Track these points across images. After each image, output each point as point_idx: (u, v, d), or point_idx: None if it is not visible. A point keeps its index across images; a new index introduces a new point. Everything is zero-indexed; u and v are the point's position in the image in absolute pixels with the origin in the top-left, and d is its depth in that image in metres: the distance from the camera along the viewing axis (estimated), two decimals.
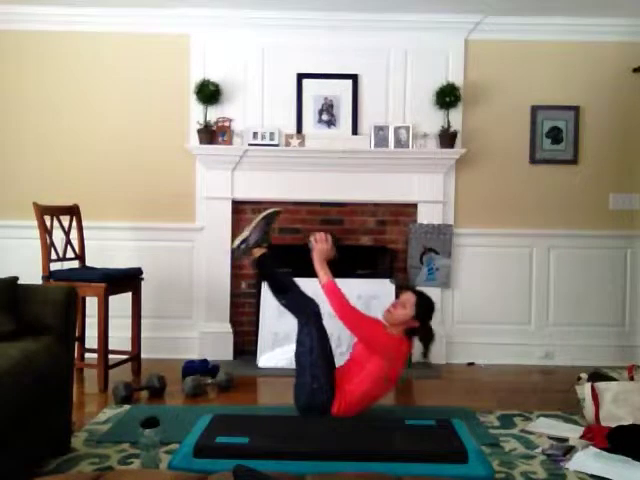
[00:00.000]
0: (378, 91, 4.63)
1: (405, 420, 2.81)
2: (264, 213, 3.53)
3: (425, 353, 3.39)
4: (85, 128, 4.65)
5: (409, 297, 3.30)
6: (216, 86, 4.48)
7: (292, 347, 4.33)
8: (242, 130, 4.59)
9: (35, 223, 3.97)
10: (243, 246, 3.48)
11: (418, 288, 3.58)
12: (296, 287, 3.39)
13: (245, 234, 3.48)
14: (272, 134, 4.55)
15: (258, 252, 3.48)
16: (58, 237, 4.14)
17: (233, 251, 3.57)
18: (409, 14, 4.50)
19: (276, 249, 4.61)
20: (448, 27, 4.57)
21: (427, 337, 3.34)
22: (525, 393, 3.94)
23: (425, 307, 3.31)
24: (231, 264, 4.61)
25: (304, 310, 3.29)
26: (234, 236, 4.58)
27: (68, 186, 4.58)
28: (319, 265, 3.29)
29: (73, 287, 2.93)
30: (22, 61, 4.64)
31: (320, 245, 3.32)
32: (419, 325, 3.27)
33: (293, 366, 4.30)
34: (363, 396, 3.14)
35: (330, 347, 3.27)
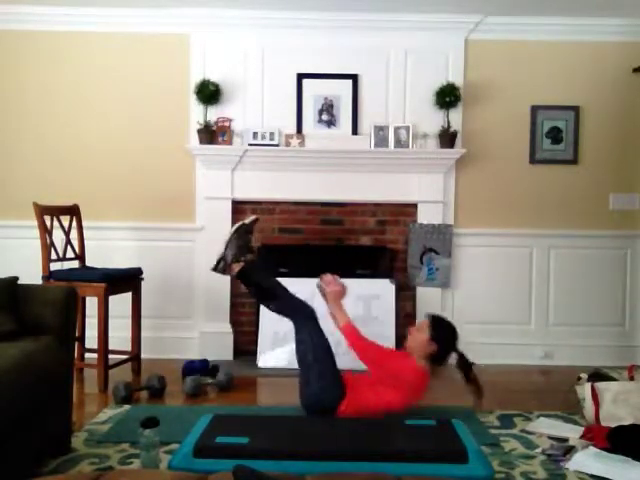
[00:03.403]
0: (378, 91, 4.63)
1: (405, 420, 2.81)
2: (234, 227, 3.50)
3: (470, 381, 3.34)
4: (85, 128, 4.65)
5: (424, 321, 3.32)
6: (216, 86, 4.48)
7: (292, 347, 4.35)
8: (242, 130, 4.59)
9: (35, 223, 3.97)
10: (221, 265, 3.45)
11: (436, 314, 3.48)
12: (286, 292, 3.37)
13: (221, 252, 3.46)
14: (272, 134, 4.55)
15: (237, 267, 3.45)
16: (58, 237, 4.14)
17: (214, 270, 3.52)
18: (409, 14, 4.50)
19: (276, 249, 4.64)
20: (448, 27, 4.57)
21: (463, 363, 3.32)
22: (525, 393, 3.94)
23: (441, 327, 3.28)
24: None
25: (298, 312, 3.29)
26: None
27: (68, 186, 4.58)
28: (336, 308, 3.28)
29: (73, 287, 2.94)
30: (22, 61, 4.63)
31: (331, 287, 3.31)
32: (441, 349, 3.22)
33: (293, 366, 4.31)
34: (375, 409, 3.13)
35: (329, 345, 3.27)
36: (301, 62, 4.61)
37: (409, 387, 3.18)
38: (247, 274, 3.46)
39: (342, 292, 3.34)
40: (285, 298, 3.35)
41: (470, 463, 2.38)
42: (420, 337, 3.25)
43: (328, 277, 3.36)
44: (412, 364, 3.21)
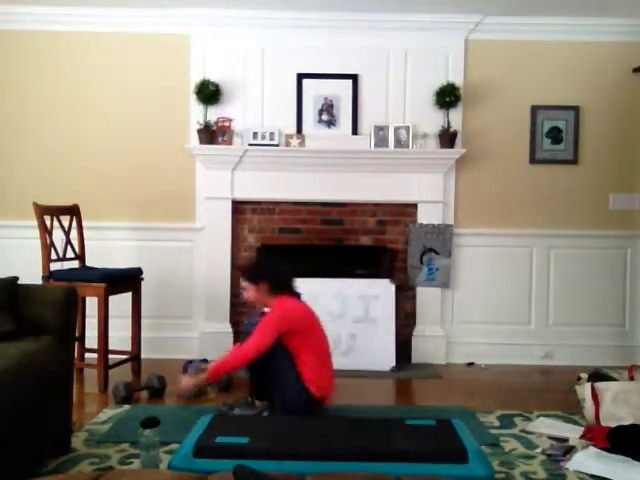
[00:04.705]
0: (378, 91, 4.63)
1: (405, 420, 2.81)
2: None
3: None
4: (85, 128, 4.65)
5: (241, 281, 3.39)
6: (216, 86, 4.48)
7: None
8: (242, 130, 4.59)
9: (35, 223, 3.97)
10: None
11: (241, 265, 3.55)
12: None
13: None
14: (272, 134, 4.55)
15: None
16: (58, 237, 4.14)
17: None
18: (409, 14, 4.50)
19: (276, 249, 4.64)
20: (448, 27, 4.57)
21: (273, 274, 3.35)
22: (525, 393, 3.94)
23: (251, 269, 3.38)
24: (231, 264, 4.61)
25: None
26: (234, 236, 4.62)
27: (68, 186, 4.58)
28: (198, 378, 3.28)
29: (73, 287, 2.94)
30: (22, 61, 4.63)
31: (183, 387, 3.31)
32: (269, 279, 3.28)
33: None
34: (314, 369, 3.18)
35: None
36: (301, 62, 4.61)
37: (292, 323, 3.19)
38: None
39: (187, 385, 3.32)
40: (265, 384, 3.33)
41: (470, 463, 2.38)
42: (250, 292, 3.32)
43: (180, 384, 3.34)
44: (272, 310, 3.23)
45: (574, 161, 4.70)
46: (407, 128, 4.55)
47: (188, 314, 4.67)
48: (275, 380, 3.21)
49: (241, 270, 3.42)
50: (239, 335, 4.39)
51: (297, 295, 3.37)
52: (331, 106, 4.63)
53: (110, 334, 3.91)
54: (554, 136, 4.68)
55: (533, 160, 4.70)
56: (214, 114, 4.55)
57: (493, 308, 4.70)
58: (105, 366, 3.86)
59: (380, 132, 4.57)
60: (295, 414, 3.13)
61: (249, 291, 3.34)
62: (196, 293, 4.66)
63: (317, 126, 4.63)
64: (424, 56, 4.62)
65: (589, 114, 4.69)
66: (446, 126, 4.53)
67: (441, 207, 4.63)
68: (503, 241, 4.70)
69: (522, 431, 3.19)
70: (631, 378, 3.47)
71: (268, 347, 3.11)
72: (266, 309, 3.32)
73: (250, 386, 3.42)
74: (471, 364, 4.62)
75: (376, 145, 4.57)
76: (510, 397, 3.82)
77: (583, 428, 3.15)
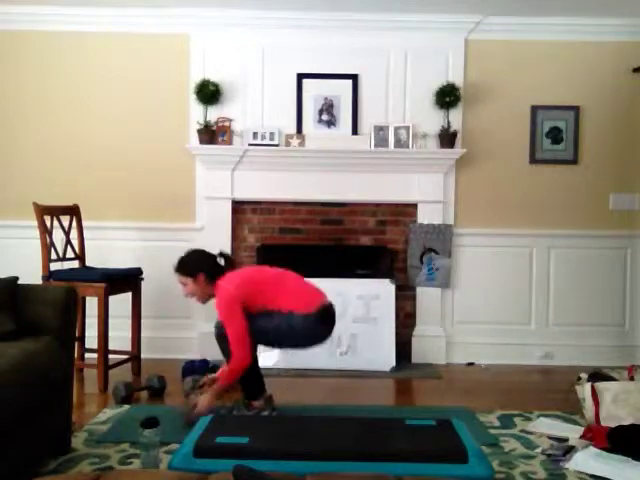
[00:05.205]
0: (378, 91, 4.63)
1: (405, 420, 2.81)
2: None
3: None
4: (85, 128, 4.65)
5: (178, 277, 3.37)
6: (216, 86, 4.48)
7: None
8: (242, 130, 4.59)
9: (35, 223, 3.97)
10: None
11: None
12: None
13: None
14: (272, 134, 4.55)
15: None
16: (58, 237, 4.14)
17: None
18: (409, 14, 4.50)
19: (276, 249, 4.64)
20: (448, 27, 4.57)
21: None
22: (525, 393, 3.94)
23: (185, 264, 3.36)
24: None
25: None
26: (234, 236, 4.62)
27: (68, 186, 4.58)
28: (216, 390, 3.23)
29: (73, 287, 2.94)
30: (21, 61, 4.63)
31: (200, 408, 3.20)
32: (205, 271, 3.29)
33: (292, 366, 4.33)
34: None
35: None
36: (301, 62, 4.61)
37: (243, 294, 3.18)
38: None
39: (209, 403, 3.22)
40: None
41: (470, 463, 2.37)
42: (190, 287, 3.32)
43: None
44: (218, 298, 3.22)
45: (574, 161, 4.70)
46: (407, 128, 4.55)
47: (188, 314, 4.67)
48: (270, 334, 3.20)
49: (176, 267, 3.38)
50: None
51: (231, 265, 3.37)
52: (331, 106, 4.63)
53: (110, 334, 3.91)
54: (554, 136, 4.68)
55: (533, 160, 4.70)
56: (214, 114, 4.55)
57: (493, 308, 4.70)
58: (105, 366, 3.86)
59: (380, 132, 4.57)
60: (311, 334, 3.20)
61: (188, 286, 3.33)
62: None
63: (317, 126, 4.63)
64: (424, 56, 4.62)
65: (589, 114, 4.69)
66: (446, 126, 4.53)
67: (441, 207, 4.63)
68: (503, 241, 4.70)
69: (522, 431, 3.19)
70: (631, 378, 3.47)
71: (246, 325, 3.11)
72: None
73: (241, 389, 3.40)
74: (471, 364, 4.62)
75: (376, 145, 4.57)
76: (510, 397, 3.82)
77: (583, 428, 3.15)
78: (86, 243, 4.31)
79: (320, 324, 3.23)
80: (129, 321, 4.19)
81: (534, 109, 4.67)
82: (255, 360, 3.30)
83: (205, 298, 3.37)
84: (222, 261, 3.39)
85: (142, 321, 4.24)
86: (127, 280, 4.11)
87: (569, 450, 2.89)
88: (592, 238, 4.69)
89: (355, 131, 4.62)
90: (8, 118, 4.65)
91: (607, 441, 2.88)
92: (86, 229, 4.32)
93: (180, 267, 3.38)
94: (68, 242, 4.21)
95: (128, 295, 4.15)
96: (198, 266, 3.33)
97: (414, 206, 4.66)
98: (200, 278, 3.29)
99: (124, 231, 4.62)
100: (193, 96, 4.50)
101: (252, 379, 3.31)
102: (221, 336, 3.25)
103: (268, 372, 4.22)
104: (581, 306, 4.70)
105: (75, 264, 4.24)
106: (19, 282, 2.83)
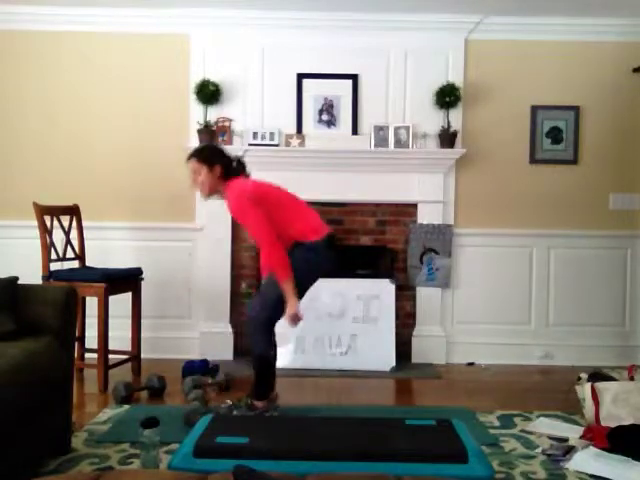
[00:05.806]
0: (378, 91, 4.63)
1: (405, 420, 2.81)
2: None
3: None
4: (85, 128, 4.65)
5: (191, 164, 3.24)
6: (216, 86, 4.48)
7: (292, 347, 4.36)
8: (242, 130, 4.59)
9: (35, 223, 3.97)
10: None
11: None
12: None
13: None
14: (272, 134, 4.55)
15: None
16: (58, 237, 4.14)
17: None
18: (409, 14, 4.50)
19: None
20: (448, 27, 4.57)
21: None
22: (525, 393, 3.94)
23: (204, 152, 3.28)
24: (231, 264, 4.61)
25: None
26: (234, 236, 4.62)
27: (68, 186, 4.58)
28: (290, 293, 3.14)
29: (73, 287, 2.94)
30: (22, 61, 4.63)
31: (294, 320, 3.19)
32: (220, 166, 3.21)
33: (292, 366, 4.33)
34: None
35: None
36: (301, 62, 4.61)
37: (259, 196, 3.13)
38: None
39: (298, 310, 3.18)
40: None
41: (470, 463, 2.37)
42: (202, 176, 3.21)
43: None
44: (232, 195, 3.15)
45: (574, 161, 4.70)
46: (407, 128, 4.55)
47: (188, 314, 4.67)
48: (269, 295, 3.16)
49: (193, 153, 3.28)
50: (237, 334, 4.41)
51: (244, 173, 3.31)
52: (331, 106, 4.63)
53: (110, 334, 3.91)
54: (554, 136, 4.68)
55: (533, 160, 4.70)
56: (214, 114, 4.55)
57: (493, 308, 4.70)
58: (105, 366, 3.86)
59: (380, 132, 4.57)
60: (323, 261, 3.22)
61: (201, 175, 3.22)
62: (196, 293, 4.66)
63: (317, 126, 4.63)
64: (424, 56, 4.62)
65: (589, 114, 4.69)
66: (446, 126, 4.53)
67: (441, 207, 4.63)
68: (503, 241, 4.70)
69: (522, 431, 3.19)
70: (631, 378, 3.48)
71: (264, 215, 3.05)
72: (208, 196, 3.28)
73: (252, 385, 3.36)
74: (471, 364, 4.62)
75: (376, 145, 4.57)
76: (510, 397, 3.82)
77: (583, 428, 3.15)
78: (86, 243, 4.31)
79: (328, 249, 3.23)
80: (129, 321, 4.19)
81: (534, 109, 4.67)
82: (274, 358, 3.27)
83: (212, 192, 3.26)
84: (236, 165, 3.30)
85: (142, 321, 4.24)
86: (127, 280, 4.11)
87: (569, 450, 2.89)
88: (592, 238, 4.69)
89: (355, 131, 4.62)
90: (8, 118, 4.65)
91: (607, 441, 2.88)
92: (86, 229, 4.32)
93: (198, 153, 3.28)
94: (68, 242, 4.21)
95: (128, 295, 4.15)
96: (218, 157, 3.25)
97: (414, 206, 4.66)
98: (217, 169, 3.20)
99: (124, 231, 4.62)
100: (193, 96, 4.50)
101: (267, 378, 3.26)
102: (252, 319, 3.20)
103: None
104: (581, 306, 4.70)
105: (75, 264, 4.24)
106: (19, 282, 2.83)
